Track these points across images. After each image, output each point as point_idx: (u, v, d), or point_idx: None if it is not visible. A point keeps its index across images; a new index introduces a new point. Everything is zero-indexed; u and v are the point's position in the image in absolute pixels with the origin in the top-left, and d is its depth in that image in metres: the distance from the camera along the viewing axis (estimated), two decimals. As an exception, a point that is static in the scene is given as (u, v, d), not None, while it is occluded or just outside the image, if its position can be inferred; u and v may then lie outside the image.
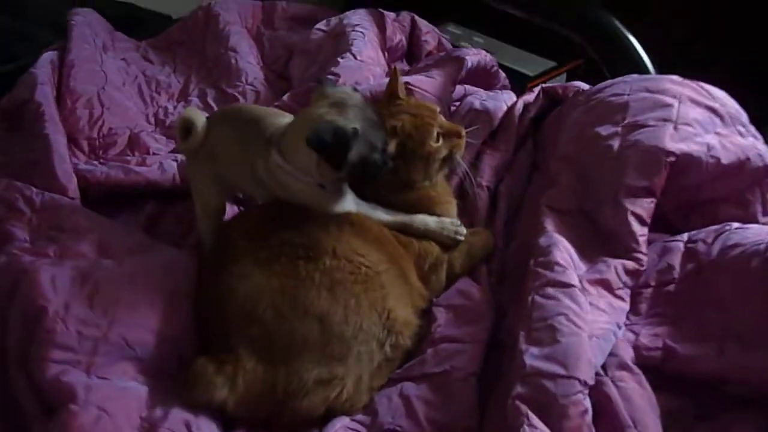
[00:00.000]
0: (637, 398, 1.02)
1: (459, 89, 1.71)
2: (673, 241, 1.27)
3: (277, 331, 1.10)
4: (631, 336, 1.15)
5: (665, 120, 1.27)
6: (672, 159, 1.22)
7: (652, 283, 1.22)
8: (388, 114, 1.28)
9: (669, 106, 1.30)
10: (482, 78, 1.80)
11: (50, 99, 1.59)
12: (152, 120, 1.76)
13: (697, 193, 1.32)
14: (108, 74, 1.77)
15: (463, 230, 1.31)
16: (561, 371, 0.98)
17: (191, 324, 1.20)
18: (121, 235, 1.34)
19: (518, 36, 2.27)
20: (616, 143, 1.28)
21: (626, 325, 1.17)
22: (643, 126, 1.27)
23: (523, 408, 0.96)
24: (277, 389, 1.09)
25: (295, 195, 1.20)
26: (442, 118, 1.35)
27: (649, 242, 1.27)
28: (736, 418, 1.03)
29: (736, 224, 1.22)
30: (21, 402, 1.08)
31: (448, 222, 1.29)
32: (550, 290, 1.10)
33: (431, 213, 1.29)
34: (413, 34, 1.99)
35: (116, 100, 1.71)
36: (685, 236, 1.26)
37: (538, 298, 1.10)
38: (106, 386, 1.05)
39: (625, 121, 1.30)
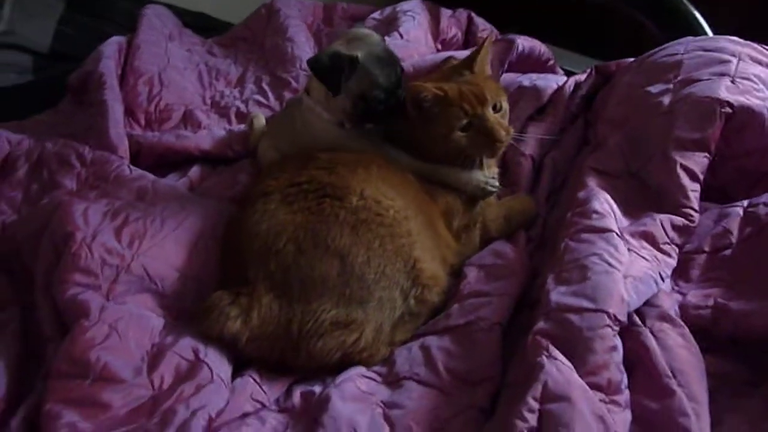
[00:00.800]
0: (679, 349, 0.91)
1: (513, 77, 1.67)
2: (732, 206, 1.16)
3: (295, 266, 1.07)
4: (678, 296, 1.04)
5: (722, 74, 1.18)
6: (728, 110, 1.13)
7: (707, 249, 1.12)
8: (441, 77, 1.25)
9: (727, 62, 1.21)
10: (537, 68, 1.75)
11: (113, 71, 1.67)
12: (208, 102, 1.80)
13: (762, 159, 1.21)
14: (170, 58, 1.84)
15: (495, 183, 1.24)
16: (589, 305, 0.89)
17: (216, 268, 1.19)
18: (161, 186, 1.36)
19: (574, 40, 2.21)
20: (666, 99, 1.20)
21: (674, 289, 1.07)
22: (698, 80, 1.19)
23: (544, 342, 0.87)
24: (292, 328, 1.05)
25: (320, 136, 1.20)
26: (488, 113, 1.20)
27: (705, 211, 1.17)
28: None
29: (802, 185, 1.11)
30: (41, 325, 1.09)
31: (479, 172, 1.23)
32: (585, 235, 1.03)
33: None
34: (469, 30, 1.98)
35: (175, 80, 1.78)
36: (745, 202, 1.15)
37: (571, 243, 1.03)
38: (121, 309, 1.05)
39: (678, 78, 1.22)
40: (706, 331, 0.99)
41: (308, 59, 1.18)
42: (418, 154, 1.25)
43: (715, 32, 1.67)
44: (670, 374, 0.88)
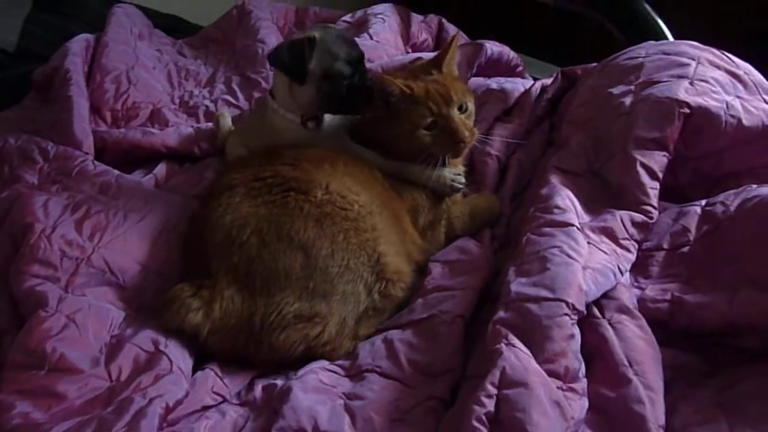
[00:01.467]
0: (636, 340, 0.93)
1: (482, 81, 1.69)
2: (691, 206, 1.18)
3: (258, 258, 1.06)
4: (637, 291, 1.06)
5: (681, 77, 1.21)
6: (686, 111, 1.16)
7: (666, 246, 1.14)
8: (409, 75, 1.26)
9: (686, 65, 1.24)
10: (506, 73, 1.78)
11: (79, 68, 1.66)
12: (176, 101, 1.79)
13: (719, 161, 1.24)
14: (139, 57, 1.83)
15: (462, 180, 1.25)
16: (547, 294, 0.90)
17: (179, 263, 1.18)
18: (125, 181, 1.35)
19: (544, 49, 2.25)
20: (628, 100, 1.22)
21: (634, 285, 1.09)
22: (658, 82, 1.22)
23: (503, 330, 0.88)
24: (255, 320, 1.05)
25: (284, 137, 1.20)
26: (453, 113, 1.21)
27: (665, 210, 1.20)
28: (745, 372, 0.92)
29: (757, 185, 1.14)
30: (-2, 318, 1.06)
31: (445, 170, 1.24)
32: (546, 229, 1.04)
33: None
34: (440, 36, 2.00)
35: (143, 79, 1.76)
36: (702, 201, 1.18)
37: (532, 236, 1.04)
38: (79, 301, 1.03)
39: (639, 80, 1.25)
40: (663, 324, 1.01)
41: (267, 54, 1.18)
42: (384, 151, 1.25)
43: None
44: (627, 363, 0.89)
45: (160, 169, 1.50)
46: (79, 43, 1.74)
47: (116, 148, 1.52)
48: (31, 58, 1.99)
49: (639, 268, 1.12)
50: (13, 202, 1.17)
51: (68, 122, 1.51)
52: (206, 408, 0.98)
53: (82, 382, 0.92)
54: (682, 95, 1.17)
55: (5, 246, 1.12)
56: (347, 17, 1.95)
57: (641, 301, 1.03)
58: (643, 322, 0.96)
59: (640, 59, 1.29)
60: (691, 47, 1.30)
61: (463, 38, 2.03)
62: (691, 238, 1.12)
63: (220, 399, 1.00)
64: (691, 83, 1.20)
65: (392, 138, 1.23)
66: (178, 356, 1.00)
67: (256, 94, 1.74)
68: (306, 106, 1.22)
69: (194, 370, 1.04)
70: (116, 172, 1.38)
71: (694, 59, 1.26)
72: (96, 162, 1.42)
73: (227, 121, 1.55)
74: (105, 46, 1.78)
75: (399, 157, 1.25)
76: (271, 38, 1.95)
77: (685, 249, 1.12)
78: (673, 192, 1.27)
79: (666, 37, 1.61)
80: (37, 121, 1.66)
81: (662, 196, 1.21)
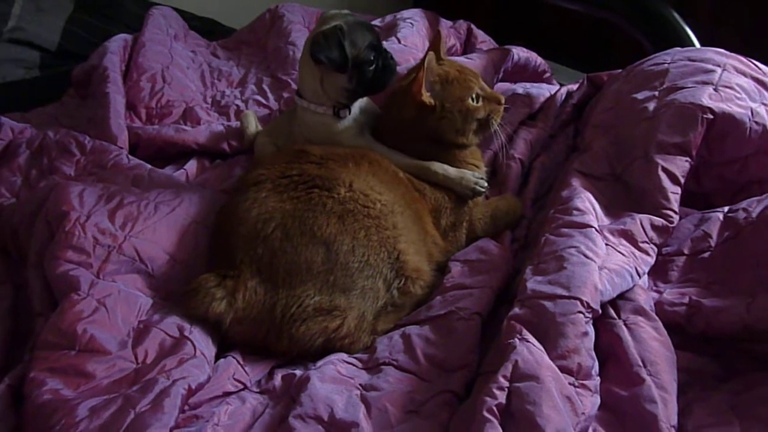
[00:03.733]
0: (651, 341, 0.94)
1: (508, 86, 1.70)
2: (713, 212, 1.19)
3: (281, 251, 1.09)
4: (655, 295, 1.07)
5: (705, 83, 1.22)
6: (709, 116, 1.16)
7: (686, 251, 1.14)
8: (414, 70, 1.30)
9: (711, 71, 1.24)
10: (532, 79, 1.79)
11: (116, 66, 1.72)
12: (209, 100, 1.84)
13: (743, 168, 1.24)
14: (174, 56, 1.89)
15: (484, 183, 1.27)
16: (563, 292, 0.91)
17: (205, 254, 1.21)
18: (157, 175, 1.39)
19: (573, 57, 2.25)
20: (651, 105, 1.23)
21: (653, 289, 1.09)
22: (682, 88, 1.22)
23: (518, 326, 0.89)
24: (276, 311, 1.07)
25: (316, 130, 1.23)
26: (483, 84, 1.33)
27: (687, 216, 1.20)
28: (760, 377, 0.92)
29: (781, 192, 1.14)
30: (31, 301, 1.11)
31: (469, 173, 1.26)
32: (565, 230, 1.05)
33: (451, 160, 1.28)
34: (468, 42, 2.02)
35: (178, 78, 1.82)
36: (725, 208, 1.18)
37: (551, 237, 1.05)
38: (110, 286, 1.07)
39: (663, 86, 1.25)
40: (680, 328, 1.01)
41: (310, 53, 1.22)
42: (414, 150, 1.28)
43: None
44: (641, 363, 0.90)
45: (191, 164, 1.55)
46: (117, 43, 1.80)
47: (150, 144, 1.57)
48: (71, 57, 2.06)
49: (658, 273, 1.13)
50: (51, 191, 1.22)
51: (105, 118, 1.56)
52: (227, 394, 1.01)
53: (109, 363, 0.96)
54: (706, 101, 1.17)
55: (42, 233, 1.16)
56: (377, 21, 1.98)
57: (659, 304, 1.03)
58: (659, 324, 0.97)
59: (666, 65, 1.30)
60: (717, 54, 1.30)
61: (490, 43, 2.06)
62: (712, 244, 1.13)
63: (240, 386, 1.03)
64: (715, 89, 1.20)
65: (444, 123, 1.27)
66: (202, 343, 1.03)
67: (286, 95, 1.78)
68: (339, 95, 1.28)
69: (217, 358, 1.07)
70: (149, 166, 1.43)
71: (719, 66, 1.26)
72: (130, 156, 1.48)
73: (251, 121, 1.58)
74: (142, 45, 1.84)
75: (448, 147, 1.29)
76: (302, 41, 1.98)
77: (706, 254, 1.12)
78: (697, 199, 1.28)
79: (692, 44, 1.61)
80: (75, 116, 1.73)
81: (686, 203, 1.22)
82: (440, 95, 1.26)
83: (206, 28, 2.44)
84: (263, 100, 1.80)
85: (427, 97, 1.24)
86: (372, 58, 1.24)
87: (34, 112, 1.76)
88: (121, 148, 1.51)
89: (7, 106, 1.76)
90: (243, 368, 1.06)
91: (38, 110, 1.78)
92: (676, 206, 1.14)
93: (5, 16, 2.07)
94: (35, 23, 2.12)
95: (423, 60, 1.24)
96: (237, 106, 1.78)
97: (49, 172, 1.43)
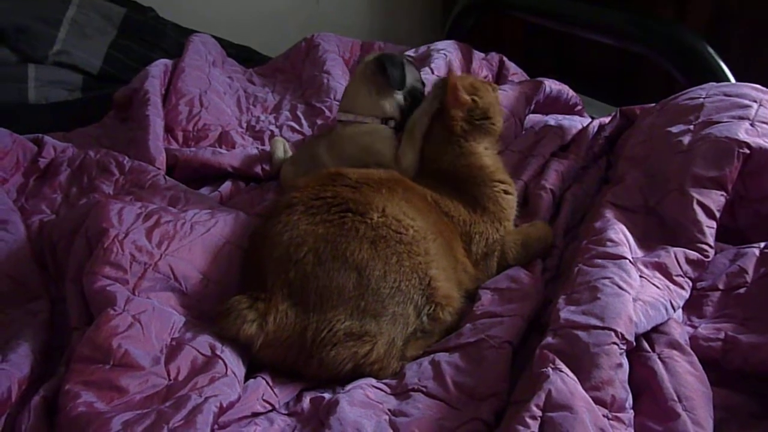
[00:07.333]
0: (686, 375, 0.92)
1: (540, 117, 1.71)
2: (749, 247, 1.17)
3: (313, 276, 1.10)
4: (690, 330, 1.05)
5: (741, 118, 1.21)
6: (746, 151, 1.15)
7: (721, 287, 1.13)
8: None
9: (747, 107, 1.24)
10: (564, 112, 1.80)
11: (157, 90, 1.77)
12: (244, 125, 1.89)
13: (780, 204, 1.23)
14: (212, 82, 1.94)
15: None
16: (597, 323, 0.91)
17: (238, 275, 1.23)
18: (193, 196, 1.42)
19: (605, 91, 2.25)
20: (686, 139, 1.23)
21: (687, 324, 1.08)
22: (717, 122, 1.22)
23: (551, 356, 0.89)
24: (306, 335, 1.08)
25: (357, 140, 1.35)
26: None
27: (723, 251, 1.19)
28: (801, 416, 0.90)
29: (820, 230, 1.12)
30: (68, 315, 1.14)
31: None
32: (599, 260, 1.05)
33: (482, 180, 1.29)
34: (500, 73, 2.04)
35: (215, 102, 1.86)
36: (762, 244, 1.17)
37: (584, 267, 1.05)
38: (146, 303, 1.09)
39: (699, 120, 1.25)
40: (716, 363, 0.99)
41: (382, 60, 1.39)
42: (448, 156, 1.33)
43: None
44: (676, 398, 0.88)
45: (226, 187, 1.58)
46: (158, 67, 1.86)
47: (186, 166, 1.61)
48: (113, 81, 2.14)
49: (693, 308, 1.11)
50: (91, 208, 1.26)
51: (144, 139, 1.61)
52: (256, 415, 1.01)
53: (142, 378, 0.97)
54: (743, 136, 1.17)
55: (82, 248, 1.19)
56: (410, 52, 2.01)
57: (693, 339, 1.02)
58: (695, 358, 0.95)
59: (701, 100, 1.30)
60: (753, 89, 1.30)
61: (522, 75, 2.08)
62: (748, 280, 1.11)
63: (269, 407, 1.03)
64: (751, 124, 1.20)
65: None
66: (233, 362, 1.04)
67: (320, 122, 1.81)
68: (394, 110, 1.42)
69: (246, 379, 1.08)
70: (185, 187, 1.46)
71: (755, 101, 1.26)
72: (167, 177, 1.51)
73: (279, 147, 1.62)
74: (181, 71, 1.90)
75: (467, 164, 1.32)
76: (336, 70, 2.04)
77: (742, 290, 1.10)
78: (733, 234, 1.26)
79: (727, 79, 1.60)
80: (115, 137, 1.78)
81: (721, 238, 1.20)
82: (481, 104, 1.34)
83: (243, 56, 2.52)
84: (297, 126, 1.83)
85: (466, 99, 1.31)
86: (421, 90, 1.43)
87: (75, 132, 1.82)
88: (159, 169, 1.55)
89: (50, 126, 1.82)
90: (272, 389, 1.06)
91: (80, 130, 1.84)
92: (711, 240, 1.12)
93: (51, 40, 2.16)
94: (79, 48, 2.21)
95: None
96: (271, 131, 1.82)
97: (88, 191, 1.47)
